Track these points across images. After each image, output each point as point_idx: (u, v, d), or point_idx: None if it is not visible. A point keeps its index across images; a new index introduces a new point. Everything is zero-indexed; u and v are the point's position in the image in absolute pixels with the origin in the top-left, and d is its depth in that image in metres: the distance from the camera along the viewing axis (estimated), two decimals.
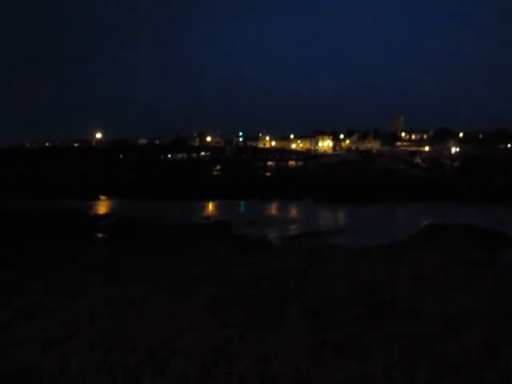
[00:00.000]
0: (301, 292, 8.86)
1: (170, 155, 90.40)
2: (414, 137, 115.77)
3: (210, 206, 35.09)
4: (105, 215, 24.98)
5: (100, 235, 16.89)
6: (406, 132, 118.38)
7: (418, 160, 72.63)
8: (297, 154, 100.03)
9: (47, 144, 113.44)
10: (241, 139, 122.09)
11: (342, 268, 11.00)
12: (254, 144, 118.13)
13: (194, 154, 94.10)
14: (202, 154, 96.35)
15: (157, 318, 7.45)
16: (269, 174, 63.45)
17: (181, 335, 6.66)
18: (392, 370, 5.52)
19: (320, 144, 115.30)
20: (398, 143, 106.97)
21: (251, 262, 12.24)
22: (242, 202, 36.89)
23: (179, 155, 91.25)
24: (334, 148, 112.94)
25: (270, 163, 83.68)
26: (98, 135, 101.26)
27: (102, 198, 35.00)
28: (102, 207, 29.73)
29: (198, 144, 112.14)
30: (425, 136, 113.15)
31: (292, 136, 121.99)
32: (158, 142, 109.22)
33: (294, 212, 31.52)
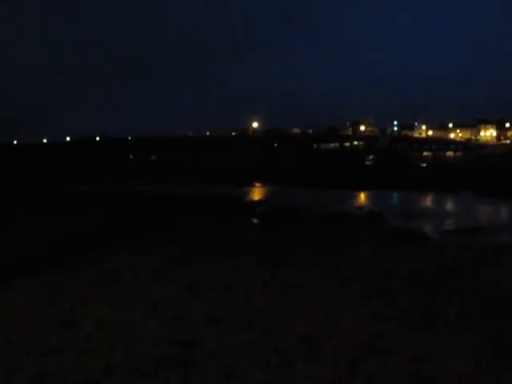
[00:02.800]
0: (458, 292, 8.30)
1: (322, 144, 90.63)
2: None
3: (363, 196, 34.53)
4: (259, 201, 25.89)
5: (255, 220, 17.59)
6: None
7: None
8: (455, 144, 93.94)
9: (207, 133, 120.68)
10: (395, 128, 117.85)
11: (508, 272, 10.08)
12: (409, 133, 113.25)
13: (347, 144, 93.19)
14: (355, 143, 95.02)
15: (310, 304, 7.53)
16: (424, 164, 60.50)
17: (333, 324, 6.65)
18: None
19: (482, 133, 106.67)
20: None
21: (405, 255, 11.81)
22: (395, 193, 35.72)
23: (332, 144, 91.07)
24: (498, 138, 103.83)
25: (425, 153, 79.70)
26: (255, 124, 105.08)
27: (257, 184, 36.34)
28: (257, 194, 30.87)
29: (350, 133, 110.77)
30: None
31: (451, 125, 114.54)
32: (310, 131, 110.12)
33: (451, 205, 29.71)
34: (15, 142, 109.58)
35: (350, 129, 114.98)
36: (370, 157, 71.27)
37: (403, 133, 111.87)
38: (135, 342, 6.09)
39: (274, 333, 6.34)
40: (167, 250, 11.56)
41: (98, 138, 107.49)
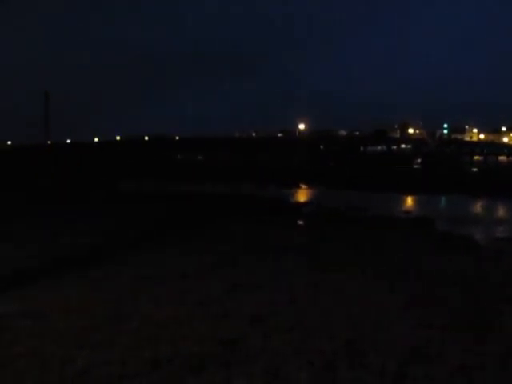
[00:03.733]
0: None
1: (369, 147, 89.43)
2: None
3: (410, 200, 33.85)
4: (305, 203, 25.83)
5: (300, 222, 17.56)
6: None
7: None
8: (509, 148, 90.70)
9: (254, 134, 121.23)
10: (445, 131, 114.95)
11: None
12: (460, 136, 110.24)
13: (394, 147, 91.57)
14: (403, 146, 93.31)
15: (355, 307, 7.46)
16: (475, 169, 58.76)
17: (379, 329, 6.56)
18: None
19: None
20: None
21: (454, 261, 11.51)
22: (444, 198, 34.85)
23: (379, 147, 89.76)
24: None
25: (476, 157, 77.38)
26: (301, 126, 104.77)
27: (303, 186, 36.26)
28: (303, 195, 30.81)
29: (398, 136, 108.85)
30: None
31: (504, 129, 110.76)
32: (357, 133, 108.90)
33: (503, 212, 28.71)
34: (68, 141, 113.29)
35: (398, 131, 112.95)
36: (419, 160, 69.82)
37: (453, 136, 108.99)
38: (181, 339, 6.19)
39: (318, 335, 6.32)
40: (214, 249, 11.69)
41: (146, 138, 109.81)
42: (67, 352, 5.86)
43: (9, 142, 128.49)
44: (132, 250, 11.95)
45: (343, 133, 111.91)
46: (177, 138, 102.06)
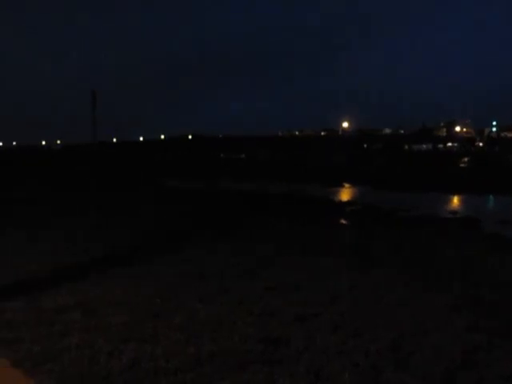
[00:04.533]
0: None
1: (414, 145, 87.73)
2: None
3: (457, 200, 32.99)
4: (348, 202, 25.55)
5: (344, 221, 17.38)
6: None
7: None
8: None
9: (297, 133, 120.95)
10: (494, 129, 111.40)
11: None
12: (510, 135, 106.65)
13: (441, 145, 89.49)
14: (449, 144, 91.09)
15: (400, 309, 7.33)
16: None
17: (424, 332, 6.42)
18: None
19: None
20: None
21: (505, 263, 11.15)
22: (492, 198, 33.79)
23: (424, 146, 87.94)
24: None
25: None
26: (345, 124, 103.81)
27: (346, 185, 35.89)
28: (346, 194, 30.50)
29: (444, 134, 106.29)
30: None
31: None
32: (402, 131, 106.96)
33: None
34: (114, 140, 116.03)
35: (444, 129, 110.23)
36: (466, 159, 67.93)
37: (503, 134, 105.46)
38: (223, 337, 6.23)
39: (363, 336, 6.24)
40: (254, 248, 11.71)
41: (190, 137, 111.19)
42: (114, 345, 6.01)
43: (58, 142, 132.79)
44: (173, 247, 12.12)
45: (387, 131, 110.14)
46: (220, 136, 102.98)
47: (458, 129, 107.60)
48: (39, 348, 6.04)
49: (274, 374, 5.27)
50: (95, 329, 6.64)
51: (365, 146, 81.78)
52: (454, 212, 25.23)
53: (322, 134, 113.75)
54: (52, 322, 6.93)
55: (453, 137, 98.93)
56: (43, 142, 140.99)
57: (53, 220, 16.64)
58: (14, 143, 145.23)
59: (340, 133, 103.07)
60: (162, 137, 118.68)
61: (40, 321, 7.00)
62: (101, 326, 6.72)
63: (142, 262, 10.47)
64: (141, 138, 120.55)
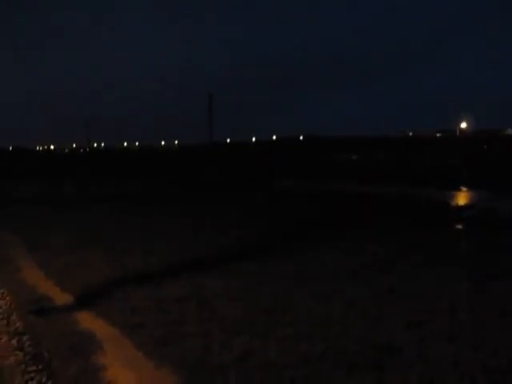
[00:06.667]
0: None
1: None
2: None
3: None
4: (465, 207, 24.17)
5: (459, 227, 16.49)
6: None
7: None
8: None
9: (410, 134, 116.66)
10: None
11: None
12: None
13: None
14: None
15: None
16: None
17: None
18: None
19: None
20: None
21: None
22: None
23: None
24: None
25: None
26: (463, 125, 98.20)
27: (463, 188, 33.98)
28: (462, 198, 28.89)
29: None
30: None
31: None
32: None
33: None
34: (228, 141, 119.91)
35: None
36: None
37: None
38: (334, 338, 6.23)
39: (481, 350, 5.89)
40: (367, 250, 11.49)
41: (301, 138, 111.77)
42: (227, 337, 6.26)
43: (176, 142, 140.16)
44: (286, 247, 12.27)
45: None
46: (330, 137, 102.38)
47: None
48: (158, 334, 6.47)
49: (384, 379, 5.18)
50: (209, 320, 6.96)
51: (484, 147, 76.88)
52: None
53: (438, 135, 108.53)
54: (170, 311, 7.38)
55: None
56: (162, 143, 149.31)
57: (182, 218, 17.68)
58: (137, 143, 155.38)
59: (457, 134, 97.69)
60: (274, 137, 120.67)
61: (160, 309, 7.48)
62: (214, 318, 7.02)
63: (258, 259, 10.73)
64: (253, 139, 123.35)
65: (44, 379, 5.34)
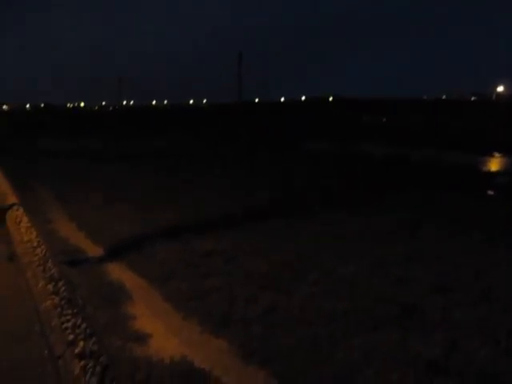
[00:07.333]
0: None
1: None
2: None
3: None
4: (498, 172, 23.62)
5: (490, 193, 16.17)
6: None
7: None
8: None
9: (443, 97, 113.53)
10: None
11: None
12: None
13: None
14: None
15: None
16: None
17: None
18: None
19: None
20: None
21: None
22: None
23: None
24: None
25: None
26: (500, 88, 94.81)
27: (497, 154, 33.14)
28: (496, 164, 28.21)
29: None
30: None
31: None
32: None
33: None
34: (256, 100, 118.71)
35: None
36: None
37: None
38: (358, 297, 6.27)
39: (507, 314, 5.86)
40: (393, 215, 11.36)
41: (330, 99, 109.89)
42: (251, 292, 6.37)
43: (204, 101, 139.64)
44: (312, 207, 12.23)
45: None
46: (361, 98, 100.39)
47: None
48: (186, 287, 6.62)
49: (408, 338, 5.22)
50: (234, 274, 7.09)
51: None
52: None
53: (473, 98, 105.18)
54: (197, 265, 7.53)
55: None
56: (190, 101, 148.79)
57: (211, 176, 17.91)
58: (165, 101, 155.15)
59: (493, 98, 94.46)
60: (303, 98, 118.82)
61: (187, 263, 7.64)
62: (240, 272, 7.15)
63: (284, 218, 10.78)
64: (282, 99, 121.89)
65: (79, 321, 5.56)
